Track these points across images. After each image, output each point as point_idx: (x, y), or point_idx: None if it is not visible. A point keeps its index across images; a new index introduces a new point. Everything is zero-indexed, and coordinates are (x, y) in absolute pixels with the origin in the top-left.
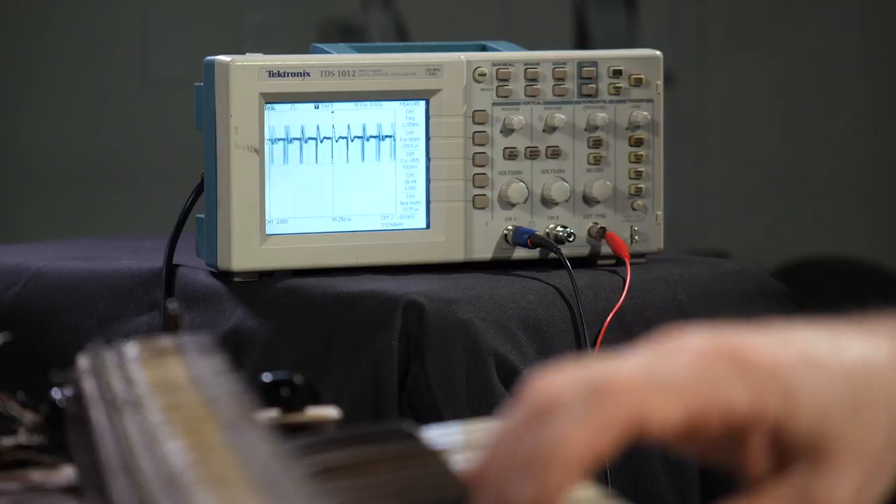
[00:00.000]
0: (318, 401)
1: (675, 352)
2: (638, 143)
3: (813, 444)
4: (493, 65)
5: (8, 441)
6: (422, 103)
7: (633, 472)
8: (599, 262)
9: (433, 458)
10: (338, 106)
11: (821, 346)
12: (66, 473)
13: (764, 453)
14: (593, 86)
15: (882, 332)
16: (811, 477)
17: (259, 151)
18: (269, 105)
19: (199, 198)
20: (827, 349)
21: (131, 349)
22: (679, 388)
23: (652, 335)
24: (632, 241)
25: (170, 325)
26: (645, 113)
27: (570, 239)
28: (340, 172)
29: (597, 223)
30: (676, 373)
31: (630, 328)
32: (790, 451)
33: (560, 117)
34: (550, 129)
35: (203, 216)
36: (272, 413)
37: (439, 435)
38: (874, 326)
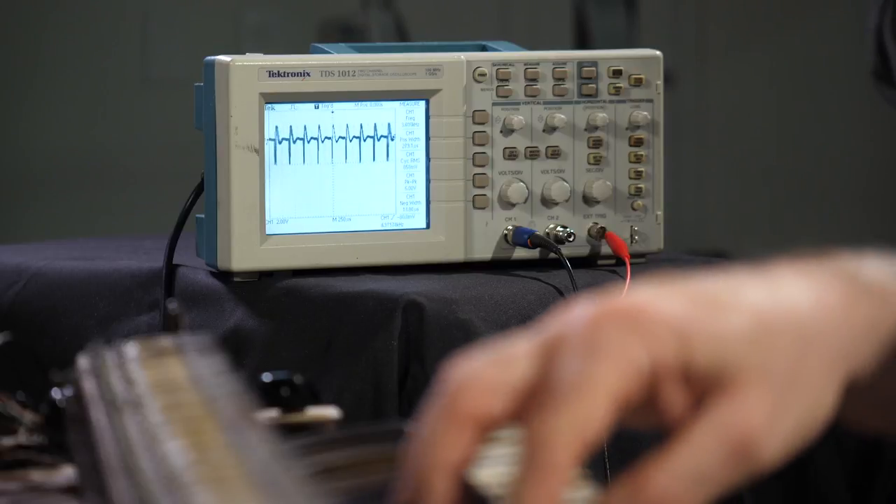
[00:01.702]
0: (318, 401)
1: (566, 338)
2: (638, 143)
3: (716, 376)
4: (493, 65)
5: (8, 441)
6: (422, 103)
7: (629, 457)
8: (599, 262)
9: None
10: (338, 106)
11: (722, 289)
12: (66, 473)
13: (679, 400)
14: (593, 86)
15: (799, 269)
16: (725, 406)
17: (259, 151)
18: (269, 105)
19: (199, 198)
20: (728, 291)
21: (131, 349)
22: (594, 386)
23: (538, 321)
24: (632, 241)
25: (170, 325)
26: (645, 113)
27: (570, 239)
28: (340, 172)
29: (597, 223)
30: (577, 370)
31: None
32: (700, 389)
33: (560, 117)
34: (550, 129)
35: (203, 216)
36: (272, 413)
37: None
38: (790, 266)
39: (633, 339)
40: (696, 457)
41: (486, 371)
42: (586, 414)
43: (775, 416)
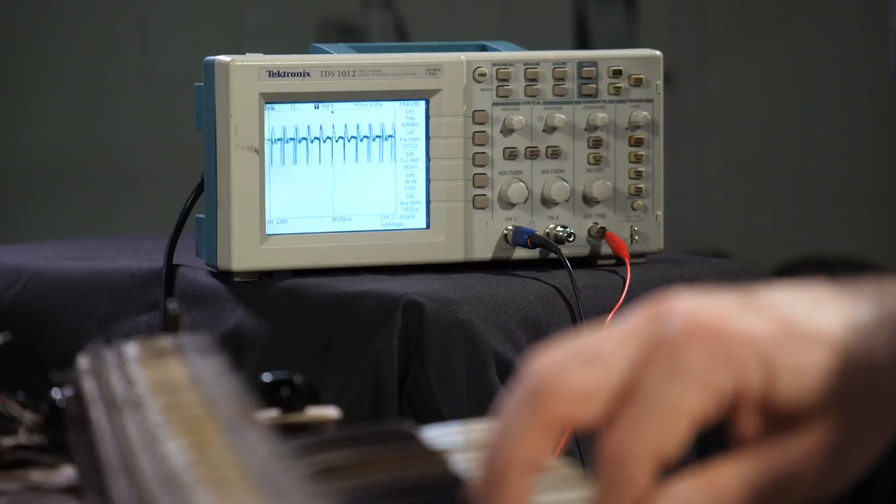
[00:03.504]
0: (318, 401)
1: (655, 347)
2: (638, 143)
3: (794, 412)
4: (493, 65)
5: (8, 441)
6: (422, 103)
7: None
8: (599, 262)
9: (433, 458)
10: (338, 106)
11: (799, 311)
12: (66, 473)
13: (752, 422)
14: (593, 86)
15: (865, 295)
16: (798, 439)
17: (259, 151)
18: (269, 105)
19: (199, 198)
20: (806, 314)
21: (131, 349)
22: (676, 409)
23: (637, 308)
24: (632, 241)
25: (170, 325)
26: (645, 113)
27: (570, 239)
28: (340, 172)
29: (597, 223)
30: (667, 390)
31: None
32: (774, 416)
33: (560, 117)
34: (550, 129)
35: (203, 216)
36: (272, 413)
37: (439, 435)
38: (858, 290)
39: (719, 365)
40: (762, 473)
41: (577, 373)
42: (665, 435)
43: (839, 460)
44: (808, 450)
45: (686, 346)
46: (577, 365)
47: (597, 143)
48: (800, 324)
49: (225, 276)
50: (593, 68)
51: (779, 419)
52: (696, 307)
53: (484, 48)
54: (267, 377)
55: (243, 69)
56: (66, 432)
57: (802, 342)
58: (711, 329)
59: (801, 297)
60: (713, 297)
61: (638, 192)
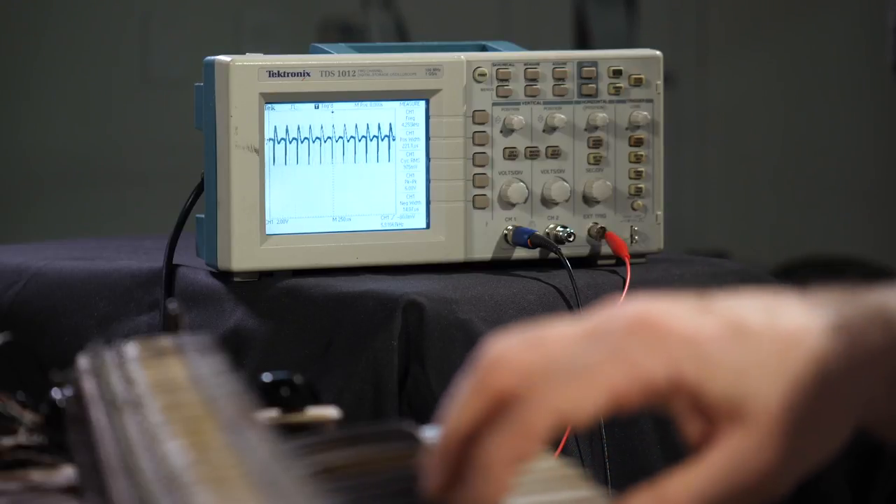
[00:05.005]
0: (318, 401)
1: (597, 332)
2: (638, 143)
3: (733, 407)
4: (493, 65)
5: (8, 441)
6: (422, 103)
7: (629, 457)
8: (599, 262)
9: None
10: (338, 106)
11: (754, 314)
12: (66, 473)
13: (690, 414)
14: (593, 86)
15: (821, 303)
16: (740, 440)
17: (259, 151)
18: (269, 105)
19: (199, 198)
20: (759, 317)
21: (131, 349)
22: (595, 377)
23: (592, 308)
24: (632, 241)
25: (170, 325)
26: (645, 113)
27: (570, 239)
28: (340, 172)
29: (597, 223)
30: (592, 359)
31: None
32: (711, 413)
33: (560, 117)
34: (550, 129)
35: (203, 216)
36: (272, 413)
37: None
38: (814, 298)
39: (651, 355)
40: (710, 481)
41: (521, 353)
42: (576, 400)
43: (787, 458)
44: (756, 458)
45: (629, 335)
46: (523, 347)
47: (597, 143)
48: (751, 325)
49: (225, 276)
50: (593, 68)
51: (719, 415)
52: (647, 307)
53: (484, 48)
54: (267, 377)
55: (243, 69)
56: (66, 432)
57: (750, 342)
58: (654, 325)
59: (760, 303)
60: (669, 300)
61: (638, 192)
